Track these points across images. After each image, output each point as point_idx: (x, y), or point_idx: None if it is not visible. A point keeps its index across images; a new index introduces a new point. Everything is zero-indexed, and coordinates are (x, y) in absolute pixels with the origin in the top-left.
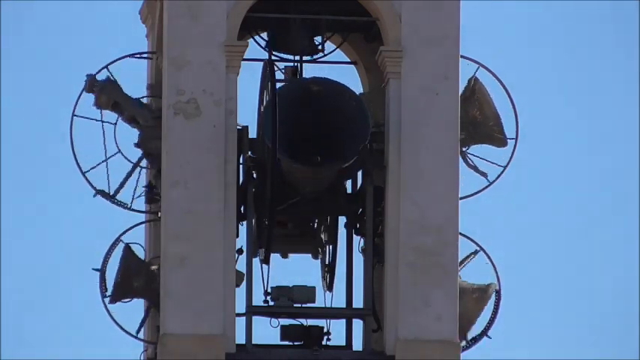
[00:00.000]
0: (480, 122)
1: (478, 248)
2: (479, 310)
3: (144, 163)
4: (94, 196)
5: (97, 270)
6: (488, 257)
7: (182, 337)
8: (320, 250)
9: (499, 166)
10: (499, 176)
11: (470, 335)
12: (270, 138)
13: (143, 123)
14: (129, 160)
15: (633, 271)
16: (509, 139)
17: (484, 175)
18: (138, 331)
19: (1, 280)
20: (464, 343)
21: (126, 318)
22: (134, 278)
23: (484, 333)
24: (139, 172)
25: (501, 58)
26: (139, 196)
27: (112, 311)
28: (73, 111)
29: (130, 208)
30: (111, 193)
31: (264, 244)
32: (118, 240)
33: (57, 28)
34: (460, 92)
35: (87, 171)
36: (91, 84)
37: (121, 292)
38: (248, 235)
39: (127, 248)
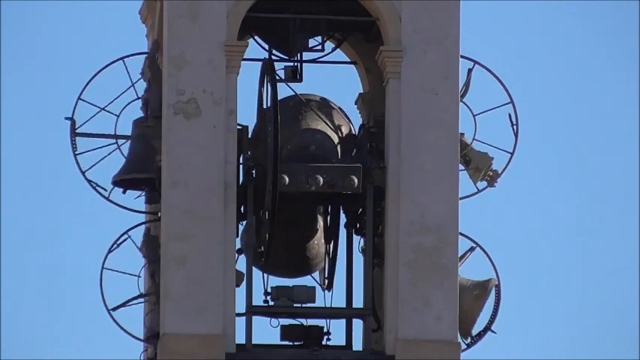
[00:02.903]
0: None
1: (474, 245)
2: (480, 306)
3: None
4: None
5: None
6: (485, 253)
7: (182, 337)
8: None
9: (507, 152)
10: (499, 176)
11: (474, 332)
12: (272, 137)
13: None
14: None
15: (633, 271)
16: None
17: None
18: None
19: (1, 280)
20: (469, 340)
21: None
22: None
23: (488, 328)
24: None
25: (501, 58)
26: (139, 196)
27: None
28: (73, 112)
29: (130, 209)
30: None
31: (263, 244)
32: (114, 244)
33: (57, 28)
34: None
35: (86, 170)
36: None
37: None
38: (248, 235)
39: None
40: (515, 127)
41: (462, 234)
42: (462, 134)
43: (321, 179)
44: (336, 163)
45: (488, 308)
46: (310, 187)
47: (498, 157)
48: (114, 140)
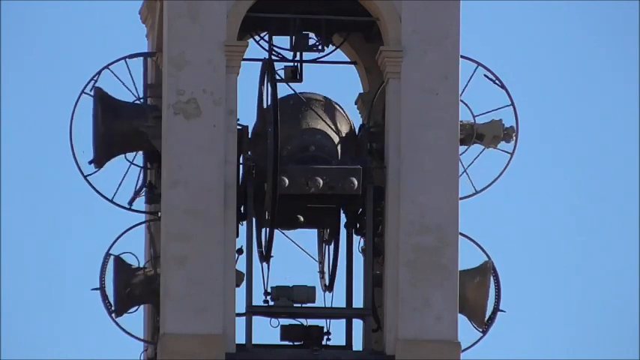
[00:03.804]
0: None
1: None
2: (486, 292)
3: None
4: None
5: (96, 289)
6: (475, 242)
7: (182, 337)
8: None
9: (508, 106)
10: (499, 176)
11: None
12: (272, 138)
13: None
14: (129, 161)
15: (633, 271)
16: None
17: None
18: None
19: (1, 280)
20: (483, 328)
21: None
22: (133, 287)
23: (496, 309)
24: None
25: (501, 58)
26: (140, 196)
27: (120, 323)
28: (73, 112)
29: (129, 209)
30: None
31: (265, 242)
32: (108, 254)
33: (57, 29)
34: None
35: (88, 175)
36: None
37: (124, 304)
38: (248, 235)
39: (118, 260)
40: (498, 81)
41: (462, 234)
42: (461, 121)
43: (321, 181)
44: (336, 163)
45: (490, 291)
46: (310, 189)
47: (504, 117)
48: (136, 96)
